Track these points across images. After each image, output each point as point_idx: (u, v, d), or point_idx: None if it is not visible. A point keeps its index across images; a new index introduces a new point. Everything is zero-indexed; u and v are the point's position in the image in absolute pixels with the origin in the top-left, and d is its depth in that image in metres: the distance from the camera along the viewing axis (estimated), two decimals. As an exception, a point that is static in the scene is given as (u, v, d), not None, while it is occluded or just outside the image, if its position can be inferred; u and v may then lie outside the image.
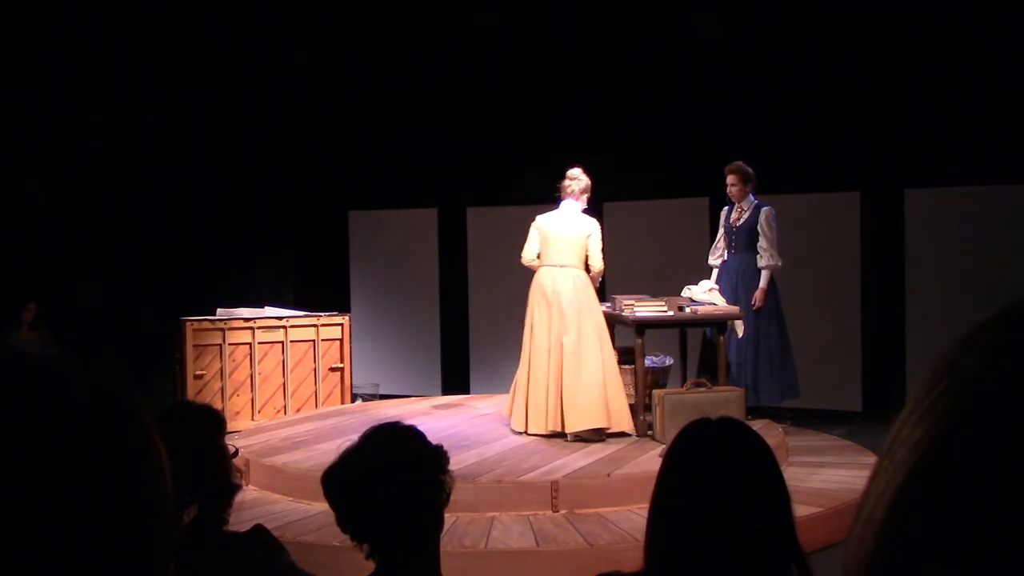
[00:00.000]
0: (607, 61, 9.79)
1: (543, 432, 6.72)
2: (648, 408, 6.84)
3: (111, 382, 0.67)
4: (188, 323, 8.42)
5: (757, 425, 6.44)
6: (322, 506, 2.99)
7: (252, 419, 8.43)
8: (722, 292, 7.58)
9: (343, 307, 9.78)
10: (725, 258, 8.01)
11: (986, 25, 8.53)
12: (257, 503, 5.92)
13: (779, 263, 7.81)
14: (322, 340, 8.94)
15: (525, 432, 6.82)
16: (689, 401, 6.56)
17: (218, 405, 7.08)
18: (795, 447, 7.06)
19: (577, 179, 7.03)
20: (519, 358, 7.04)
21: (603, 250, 6.97)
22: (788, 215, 8.33)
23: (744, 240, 7.87)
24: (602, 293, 7.62)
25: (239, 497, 2.56)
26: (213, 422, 2.60)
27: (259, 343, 8.64)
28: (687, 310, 7.15)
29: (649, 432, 6.78)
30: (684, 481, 1.77)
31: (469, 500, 5.32)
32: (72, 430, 0.62)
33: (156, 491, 0.65)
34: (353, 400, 9.20)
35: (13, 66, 9.05)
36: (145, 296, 9.25)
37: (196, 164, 9.89)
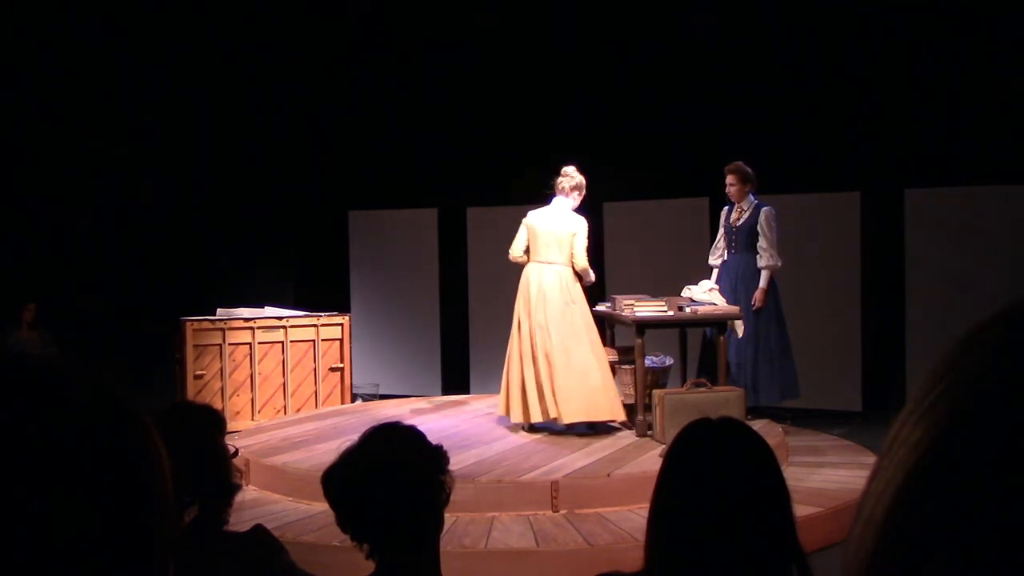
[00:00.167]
0: (607, 61, 9.79)
1: (534, 420, 6.82)
2: (648, 408, 6.84)
3: (111, 382, 0.67)
4: (188, 323, 8.42)
5: (757, 425, 6.44)
6: (322, 506, 2.99)
7: (252, 419, 8.43)
8: (722, 292, 7.57)
9: (343, 307, 9.78)
10: (725, 258, 8.01)
11: (986, 25, 8.53)
12: (257, 503, 5.92)
13: (779, 263, 7.81)
14: (322, 340, 8.94)
15: (524, 424, 6.90)
16: (689, 401, 6.56)
17: (218, 405, 7.08)
18: (795, 447, 7.06)
19: (569, 176, 7.08)
20: None
21: (589, 248, 7.04)
22: (788, 215, 8.33)
23: (744, 240, 7.87)
24: (602, 293, 7.64)
25: (239, 497, 2.56)
26: (213, 422, 2.60)
27: (259, 343, 8.65)
28: (687, 310, 7.15)
29: (649, 432, 6.78)
30: (684, 481, 1.77)
31: (469, 500, 5.32)
32: (72, 430, 0.62)
33: (156, 491, 0.65)
34: (353, 400, 9.20)
35: (13, 66, 9.06)
36: (145, 296, 9.25)
37: (196, 164, 9.90)
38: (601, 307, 7.54)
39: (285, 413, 8.61)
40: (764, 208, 7.83)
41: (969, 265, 8.50)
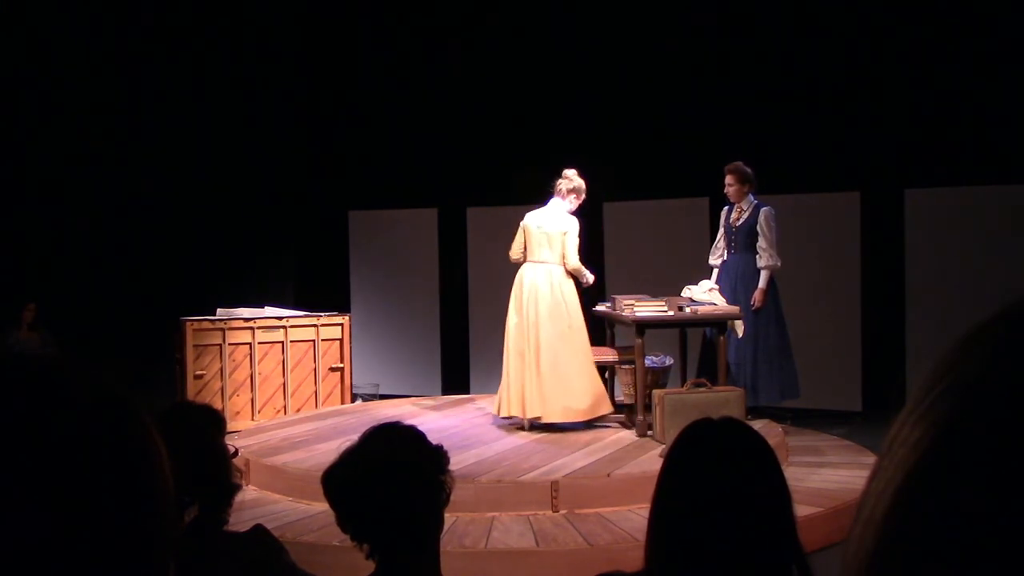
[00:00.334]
0: (607, 61, 9.79)
1: (520, 416, 6.98)
2: (648, 408, 6.84)
3: (111, 382, 0.67)
4: (188, 323, 8.42)
5: (757, 425, 6.44)
6: (322, 506, 2.99)
7: (252, 419, 8.43)
8: (722, 292, 7.57)
9: (343, 307, 9.78)
10: (725, 258, 8.01)
11: (986, 25, 8.53)
12: (257, 503, 5.92)
13: (778, 263, 7.81)
14: (322, 340, 8.94)
15: (509, 417, 7.08)
16: (689, 401, 6.56)
17: (218, 405, 7.08)
18: (795, 447, 7.06)
19: (567, 179, 7.20)
20: None
21: (582, 249, 7.19)
22: (788, 215, 8.33)
23: (743, 240, 7.87)
24: (602, 293, 7.64)
25: (239, 497, 2.56)
26: (213, 422, 2.60)
27: (259, 343, 8.65)
28: (687, 310, 7.15)
29: (649, 432, 6.79)
30: (685, 481, 1.77)
31: (469, 500, 5.32)
32: (72, 430, 0.62)
33: (157, 491, 0.65)
34: (353, 400, 9.20)
35: (13, 66, 9.06)
36: (145, 296, 9.25)
37: (196, 164, 9.90)
38: (601, 307, 7.54)
39: (285, 413, 8.61)
40: (764, 208, 7.83)
41: (969, 265, 8.50)
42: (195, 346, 8.41)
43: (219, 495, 2.47)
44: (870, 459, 6.52)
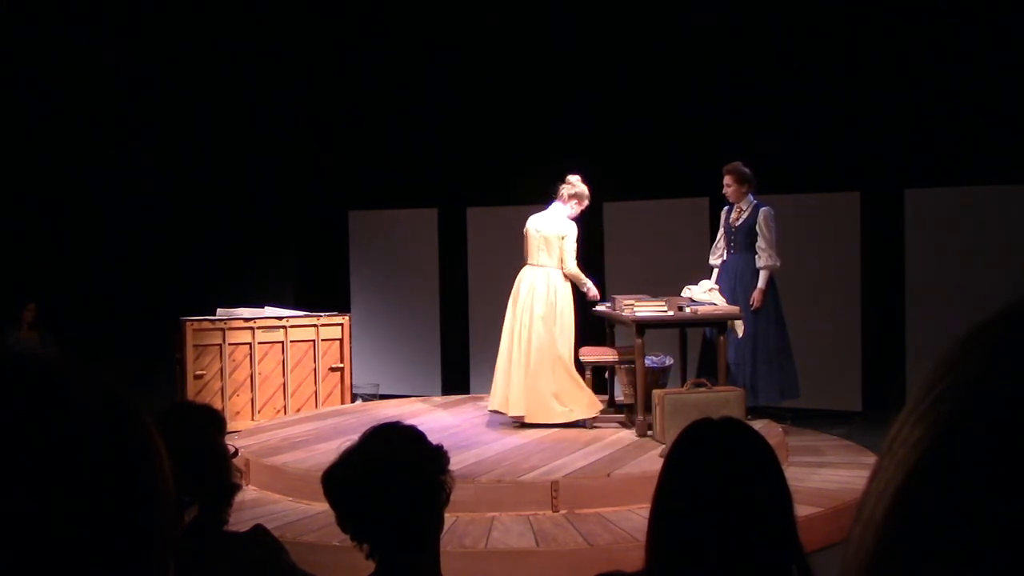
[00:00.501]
0: (607, 61, 9.79)
1: (505, 411, 7.17)
2: (648, 408, 6.84)
3: (111, 382, 0.67)
4: (188, 323, 8.42)
5: (757, 425, 6.43)
6: (322, 506, 2.99)
7: (252, 419, 8.43)
8: (722, 292, 7.58)
9: (343, 307, 9.78)
10: (725, 258, 8.02)
11: (986, 25, 8.53)
12: (257, 503, 5.92)
13: (777, 263, 7.81)
14: (322, 340, 8.94)
15: (496, 411, 7.26)
16: (689, 401, 6.56)
17: (218, 405, 7.08)
18: (795, 447, 7.06)
19: (569, 184, 7.29)
20: None
21: (579, 252, 7.28)
22: (788, 215, 8.33)
23: (743, 240, 7.87)
24: (602, 293, 7.64)
25: (239, 497, 2.55)
26: (213, 422, 2.60)
27: (259, 343, 8.65)
28: (687, 310, 7.15)
29: (649, 432, 6.79)
30: (685, 481, 1.77)
31: (469, 500, 5.32)
32: (72, 430, 0.62)
33: (156, 491, 0.65)
34: (353, 400, 9.20)
35: (13, 67, 9.06)
36: (145, 296, 9.25)
37: (196, 164, 9.90)
38: (601, 307, 7.54)
39: (285, 413, 8.61)
40: (763, 208, 7.83)
41: (969, 265, 8.50)
42: (195, 346, 8.41)
43: (219, 495, 2.47)
44: (870, 459, 6.52)
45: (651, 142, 9.50)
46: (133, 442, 0.65)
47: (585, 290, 7.31)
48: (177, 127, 9.79)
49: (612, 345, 7.62)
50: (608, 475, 5.83)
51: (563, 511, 5.60)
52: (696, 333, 7.86)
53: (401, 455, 2.15)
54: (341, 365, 9.03)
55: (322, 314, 9.08)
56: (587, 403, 7.14)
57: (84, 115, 9.39)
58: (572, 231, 7.20)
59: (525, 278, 7.26)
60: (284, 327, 8.79)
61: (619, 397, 7.74)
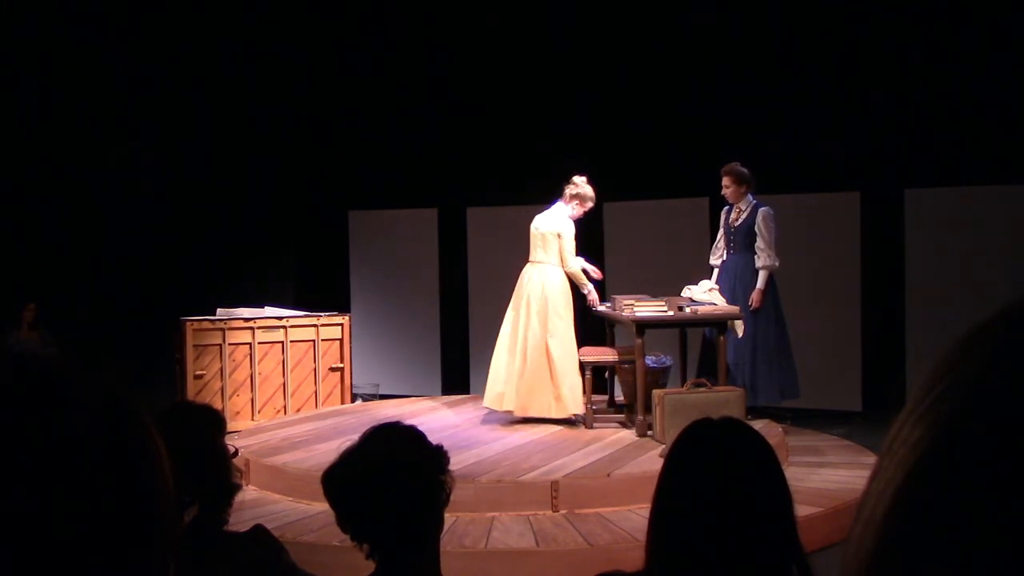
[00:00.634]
0: (607, 61, 9.79)
1: (498, 408, 7.29)
2: (648, 408, 6.84)
3: (111, 382, 0.67)
4: (188, 323, 8.42)
5: (757, 425, 6.44)
6: (322, 506, 2.99)
7: (252, 419, 8.43)
8: (721, 292, 7.58)
9: (343, 307, 9.78)
10: (724, 258, 8.02)
11: (986, 25, 8.53)
12: (257, 503, 5.92)
13: (777, 263, 7.81)
14: (322, 340, 8.94)
15: (491, 409, 7.38)
16: (689, 401, 6.56)
17: (218, 405, 7.08)
18: (795, 447, 7.06)
19: (573, 184, 7.37)
20: None
21: (578, 250, 7.36)
22: (788, 215, 8.33)
23: (742, 240, 7.87)
24: (602, 293, 7.64)
25: (239, 497, 2.55)
26: (213, 422, 2.60)
27: (259, 343, 8.65)
28: (687, 310, 7.15)
29: (649, 432, 6.79)
30: (686, 481, 1.77)
31: (469, 500, 5.32)
32: (72, 430, 0.62)
33: (156, 491, 0.65)
34: (353, 400, 9.20)
35: (13, 67, 9.05)
36: (145, 296, 9.25)
37: (196, 164, 9.89)
38: (601, 307, 7.54)
39: (285, 413, 8.61)
40: (762, 208, 7.83)
41: (969, 265, 8.50)
42: (195, 346, 8.41)
43: (219, 495, 2.47)
44: (870, 459, 6.52)
45: (651, 142, 9.50)
46: (133, 442, 0.65)
47: (585, 292, 7.35)
48: (177, 127, 9.79)
49: (612, 345, 7.62)
50: (608, 475, 5.83)
51: (563, 511, 5.60)
52: (696, 333, 7.86)
53: (401, 455, 2.15)
54: (341, 365, 9.03)
55: (322, 314, 9.08)
56: (571, 401, 7.17)
57: (84, 115, 9.38)
58: (566, 228, 7.27)
59: (524, 276, 7.39)
60: (284, 327, 8.79)
61: (619, 397, 7.75)
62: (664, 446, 5.69)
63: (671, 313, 7.09)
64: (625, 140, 9.58)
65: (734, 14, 9.38)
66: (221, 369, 8.47)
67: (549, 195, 7.41)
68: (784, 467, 1.95)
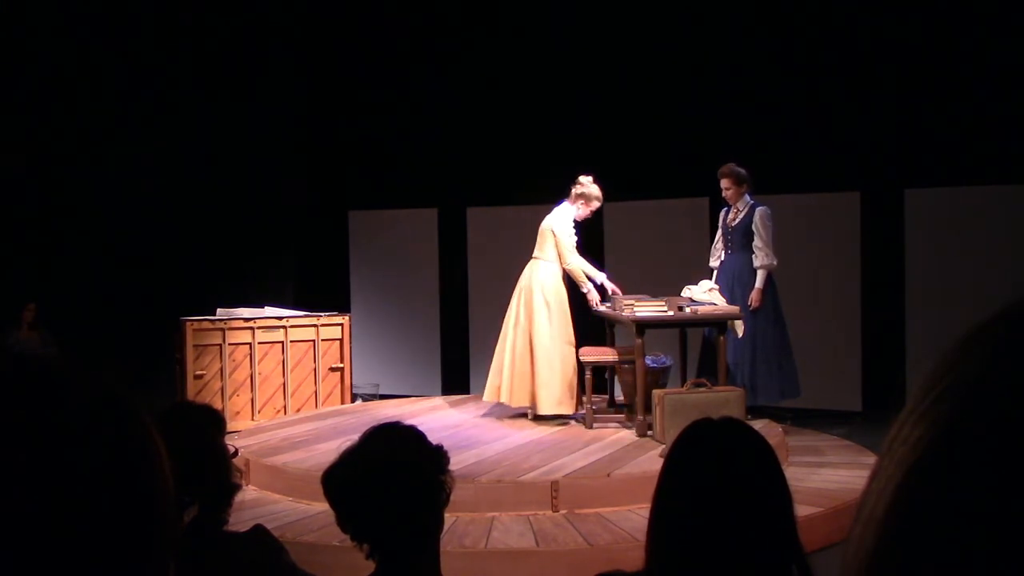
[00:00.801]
0: (607, 61, 9.79)
1: (494, 400, 7.45)
2: (648, 408, 6.84)
3: (111, 382, 0.67)
4: (188, 323, 8.42)
5: (757, 425, 6.44)
6: (322, 506, 2.99)
7: (252, 419, 8.43)
8: (721, 292, 7.57)
9: (343, 307, 9.78)
10: (722, 258, 8.02)
11: (986, 25, 8.53)
12: (257, 503, 5.92)
13: (774, 262, 7.80)
14: (322, 340, 8.94)
15: (497, 402, 7.48)
16: (689, 401, 6.56)
17: (218, 405, 7.08)
18: (795, 447, 7.06)
19: (578, 184, 7.45)
20: None
21: (574, 247, 7.45)
22: (787, 215, 8.33)
23: (739, 240, 7.87)
24: (602, 293, 7.64)
25: (239, 497, 2.55)
26: (213, 422, 2.60)
27: (259, 343, 8.65)
28: (687, 310, 7.15)
29: (649, 432, 6.79)
30: (686, 481, 1.77)
31: (469, 500, 5.32)
32: (72, 430, 0.62)
33: (156, 491, 0.65)
34: (353, 400, 9.20)
35: (14, 67, 9.06)
36: (145, 296, 9.25)
37: (196, 164, 9.89)
38: (601, 307, 7.55)
39: (285, 413, 8.61)
40: (759, 208, 7.83)
41: (969, 265, 8.50)
42: (195, 346, 8.41)
43: (219, 495, 2.47)
44: (870, 459, 6.52)
45: (651, 142, 9.50)
46: (133, 442, 0.65)
47: (584, 291, 7.34)
48: (177, 127, 9.78)
49: (612, 345, 7.62)
50: (608, 475, 5.83)
51: (563, 511, 5.60)
52: (696, 333, 7.86)
53: (401, 455, 2.15)
54: (341, 365, 9.03)
55: (322, 314, 9.08)
56: (558, 399, 7.23)
57: (84, 114, 9.38)
58: (560, 225, 7.34)
59: (525, 271, 7.51)
60: (284, 327, 8.79)
61: (619, 397, 7.75)
62: (664, 446, 5.69)
63: (671, 313, 7.09)
64: (625, 140, 9.58)
65: (734, 14, 9.38)
66: (221, 369, 8.47)
67: (549, 195, 7.42)
68: (784, 467, 1.95)
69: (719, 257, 8.06)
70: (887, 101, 8.91)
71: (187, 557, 2.20)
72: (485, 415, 7.74)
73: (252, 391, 8.59)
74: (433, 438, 2.26)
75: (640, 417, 6.87)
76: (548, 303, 7.30)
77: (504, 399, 7.38)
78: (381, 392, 10.12)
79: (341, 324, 9.09)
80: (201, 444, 2.46)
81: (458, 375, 10.49)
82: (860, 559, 0.46)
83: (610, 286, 7.45)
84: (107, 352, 8.15)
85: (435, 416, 7.83)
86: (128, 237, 9.47)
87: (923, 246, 8.84)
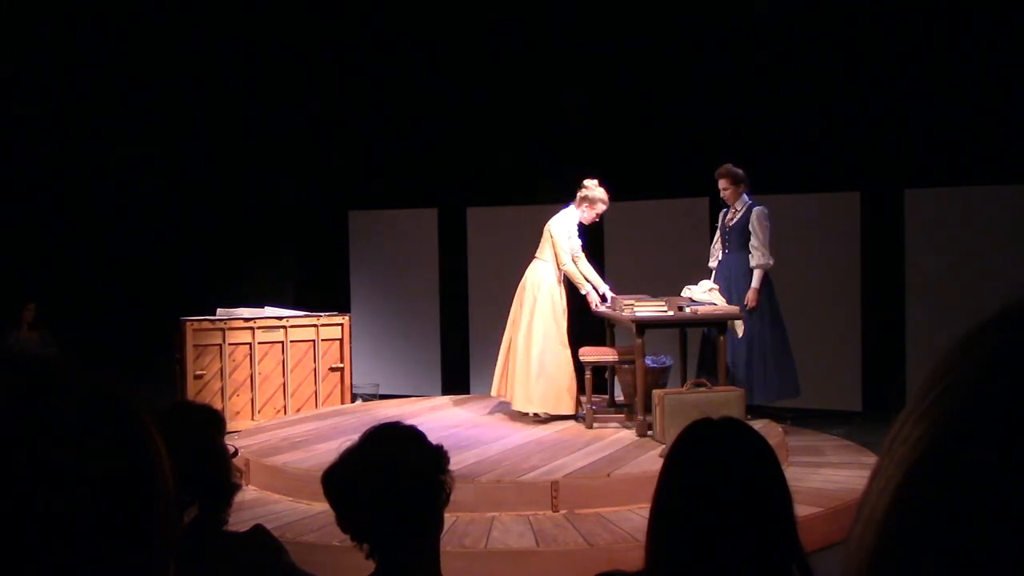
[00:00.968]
0: (607, 61, 9.79)
1: (494, 395, 7.60)
2: (648, 408, 6.84)
3: (111, 382, 0.67)
4: (188, 323, 8.42)
5: (757, 425, 6.44)
6: (322, 506, 2.99)
7: (252, 419, 8.43)
8: (720, 292, 7.57)
9: (343, 307, 9.78)
10: (720, 258, 8.02)
11: (986, 25, 8.53)
12: (257, 503, 5.92)
13: (771, 262, 7.80)
14: (322, 340, 8.94)
15: (500, 398, 7.60)
16: (689, 401, 6.56)
17: (218, 405, 7.09)
18: (795, 447, 7.06)
19: (583, 188, 7.52)
20: None
21: (582, 248, 7.53)
22: (787, 215, 8.32)
23: (737, 240, 7.87)
24: (604, 301, 7.64)
25: (239, 497, 2.55)
26: (213, 422, 2.60)
27: (259, 343, 8.65)
28: (687, 310, 7.15)
29: (649, 432, 6.79)
30: (686, 481, 1.77)
31: (469, 500, 5.32)
32: (72, 430, 0.62)
33: (156, 491, 0.65)
34: (353, 400, 9.20)
35: (14, 67, 9.06)
36: (145, 296, 9.25)
37: (196, 164, 9.90)
38: (601, 307, 7.55)
39: (285, 413, 8.61)
40: (756, 208, 7.83)
41: (969, 265, 8.50)
42: (195, 346, 8.41)
43: (219, 495, 2.47)
44: (870, 459, 6.52)
45: (650, 142, 9.50)
46: (133, 442, 0.65)
47: (584, 292, 7.36)
48: (177, 127, 9.79)
49: (612, 345, 7.62)
50: (608, 475, 5.83)
51: (563, 511, 5.60)
52: (696, 333, 7.86)
53: (401, 455, 2.15)
54: (341, 365, 9.03)
55: (322, 314, 9.08)
56: (553, 398, 7.26)
57: (84, 115, 9.39)
58: (559, 228, 7.39)
59: (528, 271, 7.55)
60: (284, 327, 8.79)
61: (619, 397, 7.75)
62: (664, 446, 5.69)
63: (671, 313, 7.09)
64: (625, 140, 9.58)
65: (734, 14, 9.38)
66: (221, 369, 8.47)
67: (548, 195, 7.43)
68: (784, 467, 1.95)
69: (717, 257, 8.06)
70: (887, 101, 8.90)
71: (187, 557, 2.20)
72: (485, 415, 7.75)
73: (252, 391, 8.58)
74: (433, 438, 2.26)
75: (640, 417, 6.87)
76: (543, 303, 7.33)
77: (506, 395, 7.46)
78: (381, 392, 10.12)
79: (341, 324, 9.09)
80: (201, 444, 2.46)
81: (458, 375, 10.49)
82: (861, 559, 0.46)
83: (611, 297, 7.46)
84: (107, 352, 8.15)
85: (435, 416, 7.83)
86: (128, 237, 9.48)
87: (923, 246, 8.84)
